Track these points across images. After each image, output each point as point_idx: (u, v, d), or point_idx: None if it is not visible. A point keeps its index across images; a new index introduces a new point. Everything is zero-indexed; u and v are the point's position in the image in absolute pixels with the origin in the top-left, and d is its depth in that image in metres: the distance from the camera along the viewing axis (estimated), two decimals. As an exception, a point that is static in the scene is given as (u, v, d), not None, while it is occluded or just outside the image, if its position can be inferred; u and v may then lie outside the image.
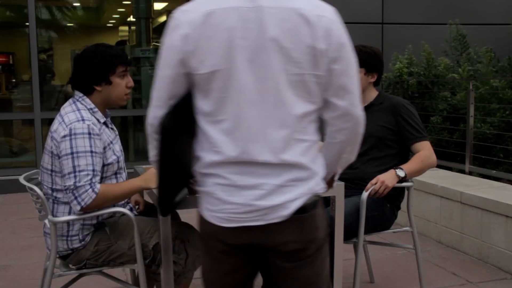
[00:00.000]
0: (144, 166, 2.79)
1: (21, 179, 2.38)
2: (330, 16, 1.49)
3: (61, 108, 2.31)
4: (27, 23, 6.17)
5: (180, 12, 1.50)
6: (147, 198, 2.52)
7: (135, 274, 2.82)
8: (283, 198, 1.48)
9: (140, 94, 7.16)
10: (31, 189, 2.28)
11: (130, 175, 2.53)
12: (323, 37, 1.46)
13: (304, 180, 1.51)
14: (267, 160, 1.47)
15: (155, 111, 1.56)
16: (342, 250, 2.48)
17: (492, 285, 3.32)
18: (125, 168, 2.44)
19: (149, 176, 2.32)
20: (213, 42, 1.45)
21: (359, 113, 1.57)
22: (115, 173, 2.34)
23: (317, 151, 1.58)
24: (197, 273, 2.88)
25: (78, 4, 7.75)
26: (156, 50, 7.40)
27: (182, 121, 1.54)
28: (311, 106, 1.51)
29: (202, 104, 1.51)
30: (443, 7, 6.89)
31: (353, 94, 1.54)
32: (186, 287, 2.47)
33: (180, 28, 1.47)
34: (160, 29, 8.26)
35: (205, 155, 1.52)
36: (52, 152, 2.23)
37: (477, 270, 3.54)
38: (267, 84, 1.46)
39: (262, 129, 1.47)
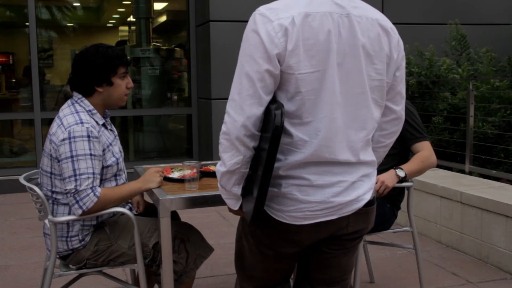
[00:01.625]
0: (144, 166, 2.79)
1: (21, 179, 2.38)
2: (392, 25, 1.63)
3: (60, 110, 2.30)
4: (27, 23, 6.18)
5: (267, 10, 1.48)
6: (147, 198, 2.52)
7: (135, 274, 2.82)
8: (356, 193, 1.59)
9: (140, 94, 7.16)
10: (31, 189, 2.28)
11: (130, 175, 2.53)
12: (395, 47, 1.61)
13: (370, 176, 1.65)
14: (347, 159, 1.56)
15: (249, 109, 1.47)
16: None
17: (492, 285, 3.32)
18: (125, 169, 2.44)
19: (148, 177, 2.32)
20: (311, 44, 1.46)
21: (404, 116, 1.76)
22: (115, 175, 2.33)
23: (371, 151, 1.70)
24: (199, 273, 2.90)
25: (78, 4, 7.75)
26: (156, 50, 7.40)
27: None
28: (380, 109, 1.66)
29: (287, 105, 1.50)
30: (443, 7, 6.89)
31: (404, 99, 1.73)
32: (189, 286, 2.47)
33: (275, 23, 1.45)
34: (160, 29, 8.26)
35: (289, 156, 1.53)
36: (51, 155, 2.23)
37: (477, 270, 3.54)
38: (352, 88, 1.53)
39: (345, 130, 1.54)
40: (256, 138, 1.51)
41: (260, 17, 1.48)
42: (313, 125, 1.50)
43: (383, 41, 1.57)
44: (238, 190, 1.59)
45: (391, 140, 1.77)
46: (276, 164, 1.52)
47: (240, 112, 1.49)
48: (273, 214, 1.58)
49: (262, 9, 1.50)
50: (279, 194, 1.56)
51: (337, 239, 1.66)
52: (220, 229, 4.42)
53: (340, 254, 1.71)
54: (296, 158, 1.52)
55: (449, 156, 5.22)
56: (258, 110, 1.48)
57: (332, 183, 1.55)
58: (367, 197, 1.62)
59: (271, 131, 1.43)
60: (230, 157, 1.53)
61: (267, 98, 1.49)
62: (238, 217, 1.83)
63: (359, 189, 1.60)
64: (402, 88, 1.69)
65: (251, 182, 1.56)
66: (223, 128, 1.52)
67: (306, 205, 1.54)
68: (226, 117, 1.52)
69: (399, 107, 1.71)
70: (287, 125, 1.51)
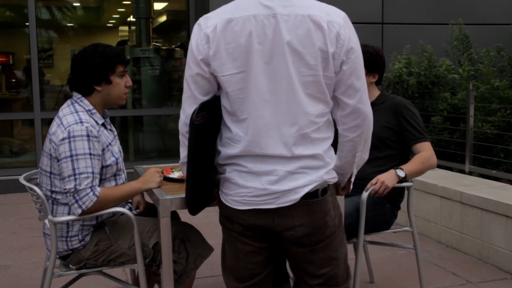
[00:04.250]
0: (144, 166, 2.79)
1: (21, 179, 2.38)
2: (340, 21, 1.62)
3: (59, 110, 2.30)
4: (27, 23, 6.18)
5: (203, 19, 1.66)
6: (147, 198, 2.52)
7: (135, 274, 2.82)
8: (294, 184, 1.62)
9: (140, 94, 7.16)
10: (31, 189, 2.28)
11: (130, 175, 2.53)
12: (333, 41, 1.59)
13: (315, 169, 1.65)
14: (280, 154, 1.61)
15: (188, 109, 1.69)
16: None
17: (492, 285, 3.32)
18: (125, 169, 2.44)
19: (148, 177, 2.32)
20: (233, 47, 1.58)
21: (368, 109, 1.70)
22: (114, 175, 2.33)
23: (328, 147, 1.70)
24: (199, 273, 2.90)
25: (78, 4, 7.75)
26: (156, 50, 7.40)
27: (212, 118, 1.68)
28: (323, 106, 1.65)
29: (225, 103, 1.66)
30: (444, 7, 6.89)
31: (360, 92, 1.67)
32: (189, 286, 2.47)
33: (200, 32, 1.63)
34: (160, 29, 8.26)
35: (226, 150, 1.68)
36: (50, 155, 2.23)
37: (477, 270, 3.54)
38: (280, 85, 1.59)
39: (276, 126, 1.61)
40: None
41: (196, 26, 1.66)
42: (247, 122, 1.62)
43: (314, 36, 1.58)
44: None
45: (355, 134, 1.72)
46: (217, 155, 1.71)
47: (182, 111, 1.72)
48: (222, 198, 1.74)
49: (201, 18, 1.67)
50: (225, 178, 1.70)
51: (286, 233, 1.68)
52: (220, 229, 4.41)
53: (302, 251, 1.71)
54: (232, 152, 1.66)
55: (449, 156, 5.22)
56: (192, 108, 1.67)
57: (268, 171, 1.63)
58: (306, 189, 1.63)
59: None
60: (182, 151, 1.78)
61: (204, 98, 1.67)
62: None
63: (298, 180, 1.62)
64: (354, 81, 1.65)
65: None
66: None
67: (244, 190, 1.65)
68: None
69: (353, 101, 1.66)
70: (228, 121, 1.67)
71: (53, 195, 2.26)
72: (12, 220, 4.89)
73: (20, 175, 2.44)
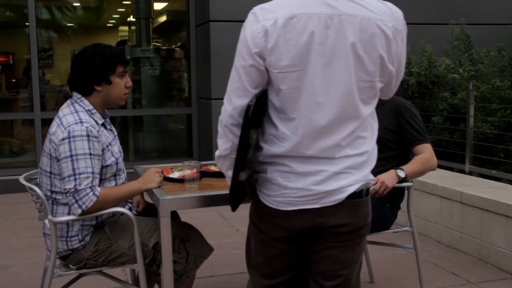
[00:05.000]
0: (144, 166, 2.79)
1: (21, 179, 2.38)
2: (403, 28, 1.61)
3: (59, 110, 2.30)
4: (27, 23, 6.17)
5: (259, 9, 1.57)
6: (147, 198, 2.52)
7: (135, 274, 2.82)
8: (339, 184, 1.59)
9: (140, 94, 7.16)
10: (31, 189, 2.28)
11: (130, 175, 2.53)
12: (394, 48, 1.58)
13: (360, 168, 1.62)
14: (328, 156, 1.59)
15: (236, 101, 1.59)
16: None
17: (492, 285, 3.32)
18: (124, 169, 2.44)
19: (148, 177, 2.32)
20: (292, 44, 1.52)
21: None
22: (114, 175, 2.33)
23: (374, 145, 1.69)
24: (199, 273, 2.90)
25: (78, 4, 7.75)
26: (156, 50, 7.40)
27: (257, 112, 1.60)
28: (371, 107, 1.65)
29: (274, 99, 1.60)
30: (444, 7, 6.88)
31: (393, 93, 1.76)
32: (189, 286, 2.47)
33: (258, 24, 1.54)
34: (160, 29, 8.26)
35: (269, 147, 1.62)
36: (50, 155, 2.23)
37: (477, 270, 3.54)
38: (337, 88, 1.54)
39: (328, 129, 1.57)
40: None
41: (251, 16, 1.58)
42: (296, 122, 1.57)
43: (377, 42, 1.54)
44: (231, 174, 1.68)
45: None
46: (259, 152, 1.64)
47: (229, 102, 1.62)
48: (262, 199, 1.67)
49: (256, 8, 1.58)
50: (265, 179, 1.65)
51: (327, 230, 1.66)
52: (220, 229, 4.42)
53: (334, 247, 1.69)
54: (276, 150, 1.60)
55: (449, 156, 5.22)
56: (244, 102, 1.58)
57: (314, 171, 1.59)
58: (352, 189, 1.60)
59: None
60: (222, 143, 1.69)
61: (254, 91, 1.58)
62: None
63: (344, 180, 1.60)
64: (396, 83, 1.72)
65: None
66: (220, 116, 1.66)
67: (288, 191, 1.61)
68: (222, 106, 1.65)
69: (393, 92, 1.77)
70: (274, 118, 1.61)
71: (53, 195, 2.26)
72: (12, 220, 4.89)
73: (20, 175, 2.44)
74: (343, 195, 1.60)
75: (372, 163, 1.68)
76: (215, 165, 2.71)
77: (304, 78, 1.54)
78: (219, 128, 1.68)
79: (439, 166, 4.64)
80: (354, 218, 1.65)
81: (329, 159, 1.60)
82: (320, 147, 1.58)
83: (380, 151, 2.78)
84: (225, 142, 1.67)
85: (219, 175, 2.54)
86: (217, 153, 1.73)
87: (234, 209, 1.80)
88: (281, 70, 1.54)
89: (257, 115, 1.60)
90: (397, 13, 1.61)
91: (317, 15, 1.51)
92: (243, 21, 1.62)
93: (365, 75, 1.56)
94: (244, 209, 1.93)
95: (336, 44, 1.52)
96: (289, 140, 1.58)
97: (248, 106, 1.57)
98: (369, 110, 1.63)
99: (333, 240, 1.68)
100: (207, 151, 6.28)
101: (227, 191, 2.21)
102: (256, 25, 1.54)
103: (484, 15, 7.01)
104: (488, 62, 5.48)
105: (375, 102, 1.66)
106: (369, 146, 1.66)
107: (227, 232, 4.33)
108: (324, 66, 1.53)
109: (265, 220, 1.71)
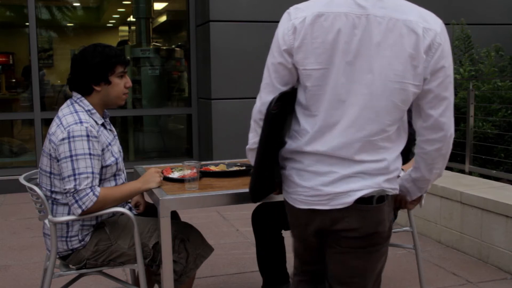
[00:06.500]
0: (144, 166, 2.79)
1: (21, 179, 2.38)
2: (437, 29, 1.55)
3: (59, 110, 2.30)
4: (27, 23, 6.17)
5: (293, 9, 1.62)
6: (147, 198, 2.52)
7: (135, 274, 2.82)
8: (348, 187, 1.58)
9: (140, 94, 7.16)
10: (31, 189, 2.28)
11: (130, 175, 2.53)
12: (426, 49, 1.53)
13: (374, 175, 1.59)
14: (341, 155, 1.58)
15: (265, 97, 1.66)
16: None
17: (492, 285, 3.31)
18: (124, 169, 2.44)
19: (148, 177, 2.31)
20: (319, 42, 1.54)
21: (450, 125, 1.63)
22: (114, 175, 2.33)
23: (397, 155, 1.65)
24: (199, 273, 2.90)
25: (78, 4, 7.75)
26: (156, 50, 7.40)
27: (286, 109, 1.66)
28: (399, 114, 1.59)
29: (301, 96, 1.64)
30: (443, 7, 6.88)
31: (445, 104, 1.60)
32: (189, 286, 2.47)
33: (288, 22, 1.59)
34: (160, 29, 8.26)
35: (291, 142, 1.67)
36: (50, 155, 2.23)
37: (477, 270, 3.54)
38: (359, 88, 1.54)
39: (344, 127, 1.57)
40: None
41: (285, 15, 1.63)
42: (316, 119, 1.60)
43: (406, 42, 1.52)
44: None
45: (433, 148, 1.66)
46: (284, 148, 1.69)
47: (259, 98, 1.69)
48: (284, 195, 1.75)
49: (291, 7, 1.63)
50: (285, 175, 1.71)
51: (337, 234, 1.65)
52: (220, 229, 4.42)
53: (345, 253, 1.68)
54: (296, 145, 1.64)
55: (449, 156, 5.21)
56: (271, 97, 1.64)
57: (324, 172, 1.60)
58: (360, 193, 1.58)
59: None
60: (251, 137, 1.76)
61: (282, 88, 1.63)
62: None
63: (353, 184, 1.58)
64: (440, 92, 1.58)
65: None
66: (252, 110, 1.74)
67: (301, 189, 1.65)
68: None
69: (436, 112, 1.59)
70: (299, 114, 1.65)
71: (53, 195, 2.26)
72: (12, 220, 4.89)
73: (20, 175, 2.44)
74: (350, 199, 1.58)
75: (393, 173, 1.63)
76: (215, 165, 2.71)
77: (328, 76, 1.55)
78: (251, 122, 1.75)
79: (439, 166, 4.63)
80: (362, 223, 1.62)
81: (341, 160, 1.59)
82: (332, 144, 1.58)
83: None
84: (254, 136, 1.73)
85: (219, 175, 2.54)
86: (247, 146, 1.80)
87: (256, 200, 1.90)
88: (307, 67, 1.57)
89: (282, 112, 1.64)
90: (433, 18, 1.58)
91: (345, 14, 1.53)
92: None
93: (393, 76, 1.53)
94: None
95: (361, 43, 1.52)
96: (306, 136, 1.61)
97: (270, 102, 1.62)
98: (394, 116, 1.58)
99: (345, 245, 1.67)
100: (207, 151, 6.28)
101: (227, 191, 2.23)
102: (287, 23, 1.59)
103: (485, 15, 7.01)
104: (489, 62, 5.48)
105: (403, 109, 1.60)
106: (390, 155, 1.62)
107: (227, 232, 4.33)
108: (348, 65, 1.54)
109: (290, 215, 1.79)
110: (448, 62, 1.58)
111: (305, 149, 1.62)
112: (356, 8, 1.53)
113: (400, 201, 1.85)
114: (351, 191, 1.58)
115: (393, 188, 1.65)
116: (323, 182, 1.60)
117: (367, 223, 1.62)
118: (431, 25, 1.55)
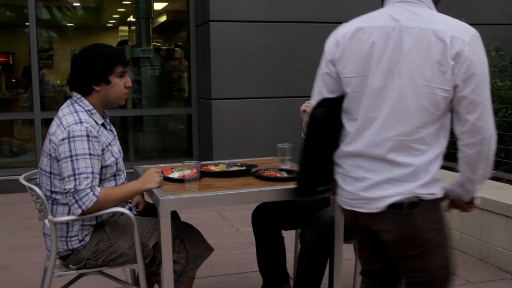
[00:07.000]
0: (144, 166, 2.79)
1: (21, 179, 2.38)
2: (466, 38, 1.66)
3: (59, 110, 2.30)
4: (27, 23, 6.17)
5: (342, 25, 1.84)
6: (147, 198, 2.52)
7: (135, 274, 2.82)
8: (380, 193, 1.73)
9: (140, 94, 7.16)
10: (31, 189, 2.28)
11: (130, 175, 2.53)
12: (454, 56, 1.64)
13: (404, 182, 1.71)
14: (376, 154, 1.72)
15: (313, 103, 1.88)
16: (342, 250, 2.48)
17: (492, 285, 3.32)
18: (124, 169, 2.44)
19: (148, 177, 2.31)
20: (356, 53, 1.75)
21: (489, 128, 1.71)
22: (114, 175, 2.33)
23: (431, 158, 1.74)
24: (199, 273, 2.91)
25: (78, 4, 7.75)
26: (156, 50, 7.40)
27: (333, 116, 1.84)
28: (431, 117, 1.70)
29: (344, 102, 1.83)
30: (443, 7, 6.87)
31: (480, 108, 1.69)
32: (189, 286, 2.47)
33: (334, 36, 1.83)
34: (160, 29, 8.26)
35: (341, 146, 1.84)
36: (50, 155, 2.23)
37: (477, 270, 3.54)
38: (390, 91, 1.70)
39: (378, 127, 1.72)
40: None
41: (335, 31, 1.85)
42: (356, 121, 1.77)
43: (433, 49, 1.65)
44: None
45: (473, 151, 1.74)
46: (336, 152, 1.87)
47: (310, 105, 1.92)
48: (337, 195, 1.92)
49: (341, 25, 1.85)
50: (336, 179, 1.89)
51: (379, 236, 1.81)
52: (220, 229, 4.42)
53: (393, 254, 1.84)
54: (342, 148, 1.83)
55: (449, 156, 5.21)
56: (315, 102, 1.87)
57: (361, 177, 1.76)
58: (390, 200, 1.71)
59: None
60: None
61: (329, 96, 1.84)
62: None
63: (385, 190, 1.72)
64: (474, 97, 1.67)
65: None
66: None
67: (344, 193, 1.83)
68: None
69: (473, 117, 1.69)
70: (344, 119, 1.84)
71: (53, 195, 2.26)
72: (12, 220, 4.89)
73: (20, 175, 2.44)
74: (383, 204, 1.73)
75: (424, 178, 1.72)
76: (215, 165, 2.71)
77: (365, 82, 1.73)
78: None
79: (439, 166, 4.63)
80: (396, 226, 1.75)
81: (374, 162, 1.73)
82: (367, 143, 1.74)
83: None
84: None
85: (219, 175, 2.54)
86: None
87: (300, 195, 2.07)
88: (346, 75, 1.78)
89: (328, 117, 1.84)
90: (463, 27, 1.69)
91: (380, 28, 1.72)
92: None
93: (421, 81, 1.66)
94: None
95: (393, 52, 1.69)
96: (348, 137, 1.80)
97: (314, 106, 1.86)
98: (425, 119, 1.68)
99: (389, 247, 1.83)
100: (207, 151, 6.28)
101: (227, 191, 2.23)
102: (333, 38, 1.83)
103: (485, 15, 7.01)
104: (489, 62, 5.47)
105: (435, 113, 1.69)
106: (423, 160, 1.71)
107: (227, 232, 4.33)
108: (382, 72, 1.70)
109: (344, 215, 1.99)
110: (479, 69, 1.67)
111: (345, 149, 1.81)
112: (390, 21, 1.71)
113: (457, 205, 1.98)
114: (383, 197, 1.72)
115: (430, 193, 1.74)
116: (360, 188, 1.76)
117: (400, 226, 1.75)
118: (460, 34, 1.66)
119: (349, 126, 1.81)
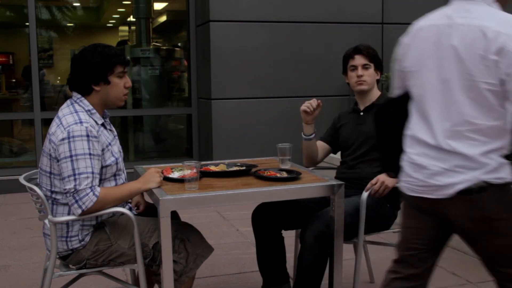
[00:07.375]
0: (144, 166, 2.79)
1: (21, 179, 2.38)
2: (510, 33, 1.72)
3: (59, 110, 2.30)
4: (27, 23, 6.17)
5: (411, 28, 2.00)
6: (147, 198, 2.52)
7: (135, 274, 2.82)
8: (448, 180, 1.81)
9: (140, 94, 7.16)
10: (31, 189, 2.28)
11: (130, 175, 2.53)
12: (497, 51, 1.70)
13: (470, 169, 1.78)
14: (431, 143, 1.84)
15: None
16: (342, 250, 2.48)
17: (492, 285, 3.29)
18: (124, 169, 2.44)
19: (148, 177, 2.32)
20: (416, 50, 1.91)
21: None
22: (114, 175, 2.34)
23: (491, 149, 1.78)
24: (199, 273, 2.91)
25: (78, 4, 7.75)
26: (156, 50, 7.40)
27: (401, 108, 1.99)
28: (485, 110, 1.76)
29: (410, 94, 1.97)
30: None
31: None
32: (189, 286, 2.47)
33: (403, 38, 2.01)
34: (160, 29, 8.26)
35: (407, 134, 1.96)
36: (50, 155, 2.23)
37: (477, 270, 3.53)
38: (441, 85, 1.83)
39: (433, 118, 1.85)
40: None
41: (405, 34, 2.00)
42: (418, 111, 1.91)
43: (477, 44, 1.73)
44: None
45: None
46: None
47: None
48: (399, 182, 2.01)
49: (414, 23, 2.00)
50: (402, 166, 1.97)
51: (448, 220, 1.88)
52: (220, 229, 4.42)
53: (465, 238, 1.94)
54: (408, 136, 1.94)
55: None
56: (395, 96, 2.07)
57: (428, 165, 1.84)
58: (460, 186, 1.78)
59: None
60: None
61: (398, 90, 2.03)
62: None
63: (453, 178, 1.79)
64: None
65: None
66: None
67: (411, 179, 1.91)
68: None
69: None
70: (413, 110, 1.95)
71: (53, 195, 2.26)
72: (12, 220, 4.89)
73: (20, 175, 2.44)
74: (451, 190, 1.80)
75: (489, 165, 1.77)
76: (215, 165, 2.71)
77: (422, 76, 1.89)
78: None
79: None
80: (465, 211, 1.82)
81: (438, 155, 1.82)
82: (427, 131, 1.85)
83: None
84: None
85: (219, 175, 2.54)
86: None
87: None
88: (407, 70, 1.95)
89: (399, 110, 2.00)
90: (509, 22, 1.74)
91: (437, 26, 1.87)
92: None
93: (468, 75, 1.76)
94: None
95: (445, 48, 1.81)
96: (412, 124, 1.93)
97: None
98: (480, 112, 1.75)
99: (462, 231, 1.91)
100: (207, 151, 6.28)
101: (227, 191, 2.23)
102: (402, 40, 2.00)
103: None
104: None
105: (486, 105, 1.74)
106: (483, 150, 1.77)
107: (227, 232, 4.33)
108: (435, 66, 1.84)
109: (403, 201, 2.06)
110: None
111: (411, 136, 1.92)
112: (445, 19, 1.85)
113: None
114: (452, 184, 1.80)
115: (498, 177, 1.79)
116: (427, 175, 1.85)
117: (471, 209, 1.81)
118: (505, 29, 1.72)
119: (413, 115, 1.94)
